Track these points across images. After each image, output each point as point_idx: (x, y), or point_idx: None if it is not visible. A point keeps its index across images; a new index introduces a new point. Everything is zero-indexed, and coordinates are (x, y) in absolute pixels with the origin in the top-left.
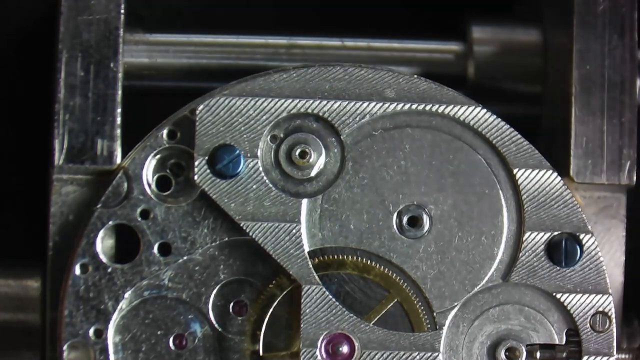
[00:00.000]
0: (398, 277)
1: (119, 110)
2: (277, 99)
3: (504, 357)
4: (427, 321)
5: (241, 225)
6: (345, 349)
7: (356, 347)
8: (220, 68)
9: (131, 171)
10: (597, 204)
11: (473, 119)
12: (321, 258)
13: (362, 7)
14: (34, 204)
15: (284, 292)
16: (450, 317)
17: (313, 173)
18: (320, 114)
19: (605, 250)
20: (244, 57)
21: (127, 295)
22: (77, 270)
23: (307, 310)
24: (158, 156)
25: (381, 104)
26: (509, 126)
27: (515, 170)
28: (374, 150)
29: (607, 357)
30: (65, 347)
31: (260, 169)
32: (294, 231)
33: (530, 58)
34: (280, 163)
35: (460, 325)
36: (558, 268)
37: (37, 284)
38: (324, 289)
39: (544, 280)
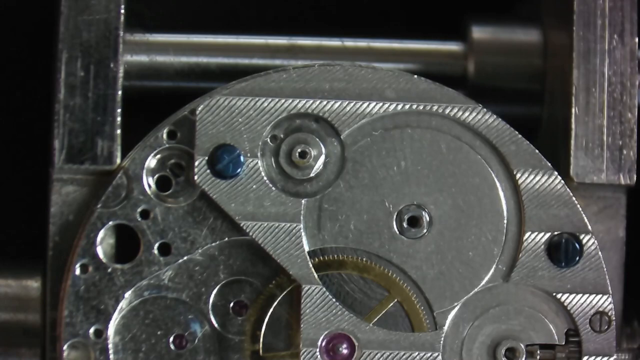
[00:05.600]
0: (398, 277)
1: (119, 110)
2: (277, 99)
3: (504, 357)
4: (427, 321)
5: (241, 225)
6: (345, 349)
7: (356, 347)
8: (220, 68)
9: (131, 171)
10: (597, 204)
11: (473, 119)
12: (321, 258)
13: (362, 7)
14: (34, 204)
15: (284, 292)
16: (450, 317)
17: (313, 173)
18: (320, 114)
19: (605, 250)
20: (244, 57)
21: (127, 295)
22: (77, 270)
23: (307, 310)
24: (158, 156)
25: (381, 104)
26: (509, 126)
27: (515, 170)
28: (374, 150)
29: (607, 357)
30: (65, 347)
31: (260, 169)
32: (294, 231)
33: (530, 58)
34: (280, 163)
35: (460, 325)
36: (558, 268)
37: (37, 284)
38: (324, 289)
39: (544, 280)
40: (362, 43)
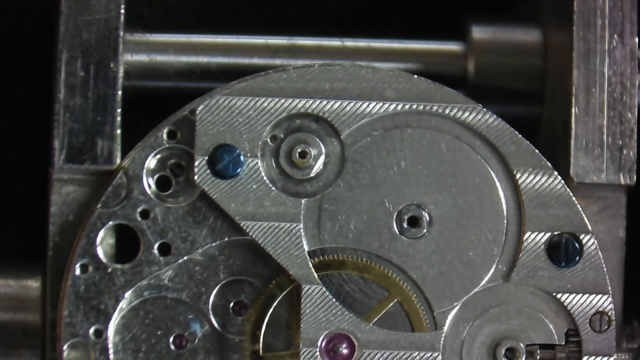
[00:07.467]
0: (398, 277)
1: (119, 110)
2: (277, 99)
3: (504, 357)
4: (427, 321)
5: (241, 225)
6: (345, 349)
7: (356, 347)
8: (220, 68)
9: (131, 171)
10: (597, 204)
11: (473, 119)
12: (321, 258)
13: (362, 7)
14: (34, 204)
15: (284, 292)
16: (450, 317)
17: (313, 173)
18: (320, 114)
19: (605, 250)
20: (244, 57)
21: (127, 295)
22: (77, 270)
23: (307, 310)
24: (158, 156)
25: (381, 104)
26: (509, 126)
27: (515, 170)
28: (374, 150)
29: (607, 357)
30: (65, 347)
31: (260, 169)
32: (294, 231)
33: (530, 58)
34: (280, 163)
35: (460, 325)
36: (558, 268)
37: (37, 284)
38: (324, 289)
39: (544, 280)
40: (362, 43)
